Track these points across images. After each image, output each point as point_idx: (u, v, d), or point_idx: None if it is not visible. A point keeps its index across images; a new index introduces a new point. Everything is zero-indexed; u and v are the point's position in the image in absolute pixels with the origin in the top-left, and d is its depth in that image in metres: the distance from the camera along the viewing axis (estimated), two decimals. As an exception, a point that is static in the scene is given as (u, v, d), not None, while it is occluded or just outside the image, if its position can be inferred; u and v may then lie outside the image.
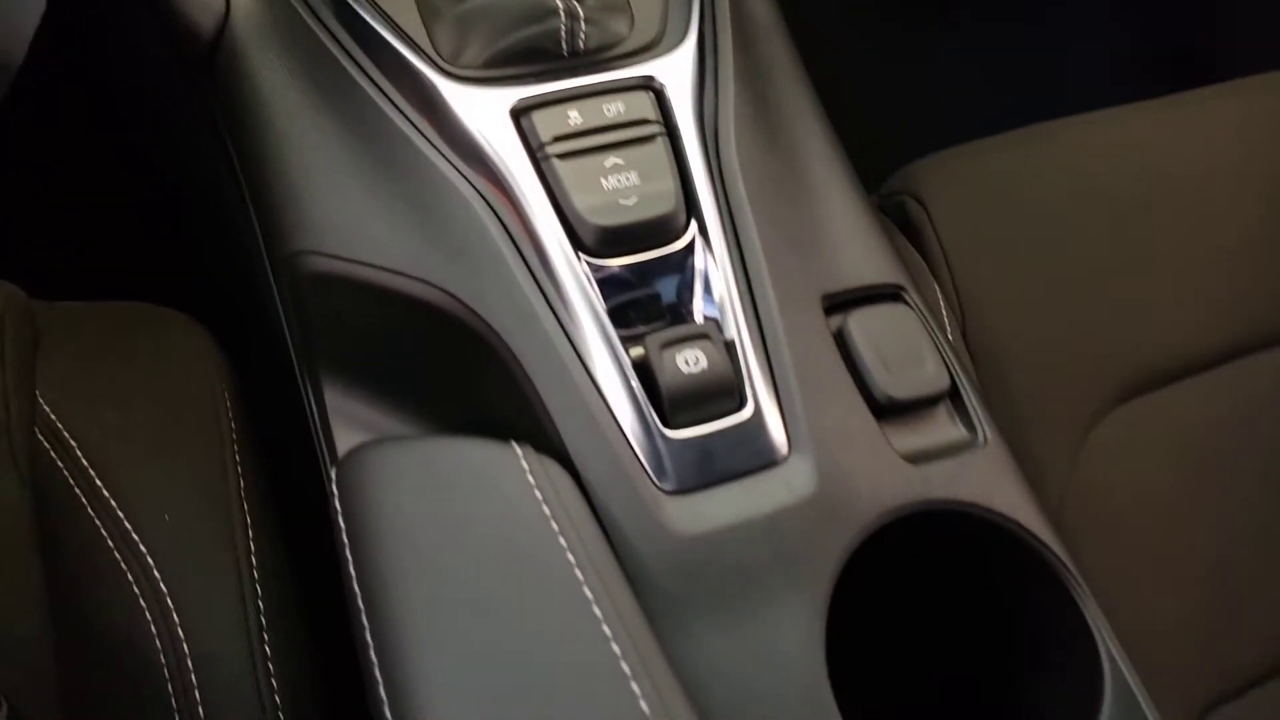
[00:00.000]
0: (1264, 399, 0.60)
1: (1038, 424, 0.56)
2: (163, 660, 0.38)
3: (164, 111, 0.59)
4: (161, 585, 0.40)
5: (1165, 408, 0.58)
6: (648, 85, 0.39)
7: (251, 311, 0.44)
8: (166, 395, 0.45)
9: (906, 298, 0.39)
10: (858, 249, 0.39)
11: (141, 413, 0.45)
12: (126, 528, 0.40)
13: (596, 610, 0.30)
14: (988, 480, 0.35)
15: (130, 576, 0.40)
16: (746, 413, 0.35)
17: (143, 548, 0.40)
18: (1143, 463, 0.58)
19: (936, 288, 0.55)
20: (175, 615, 0.39)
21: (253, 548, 0.41)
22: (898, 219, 0.57)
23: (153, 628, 0.39)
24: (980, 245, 0.56)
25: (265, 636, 0.40)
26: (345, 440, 0.37)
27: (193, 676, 0.38)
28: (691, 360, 0.34)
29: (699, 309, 0.37)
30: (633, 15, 0.41)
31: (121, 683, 0.38)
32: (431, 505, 0.31)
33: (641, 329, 0.36)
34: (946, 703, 0.40)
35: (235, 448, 0.43)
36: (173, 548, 0.40)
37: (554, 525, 0.31)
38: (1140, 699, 0.35)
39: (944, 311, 0.54)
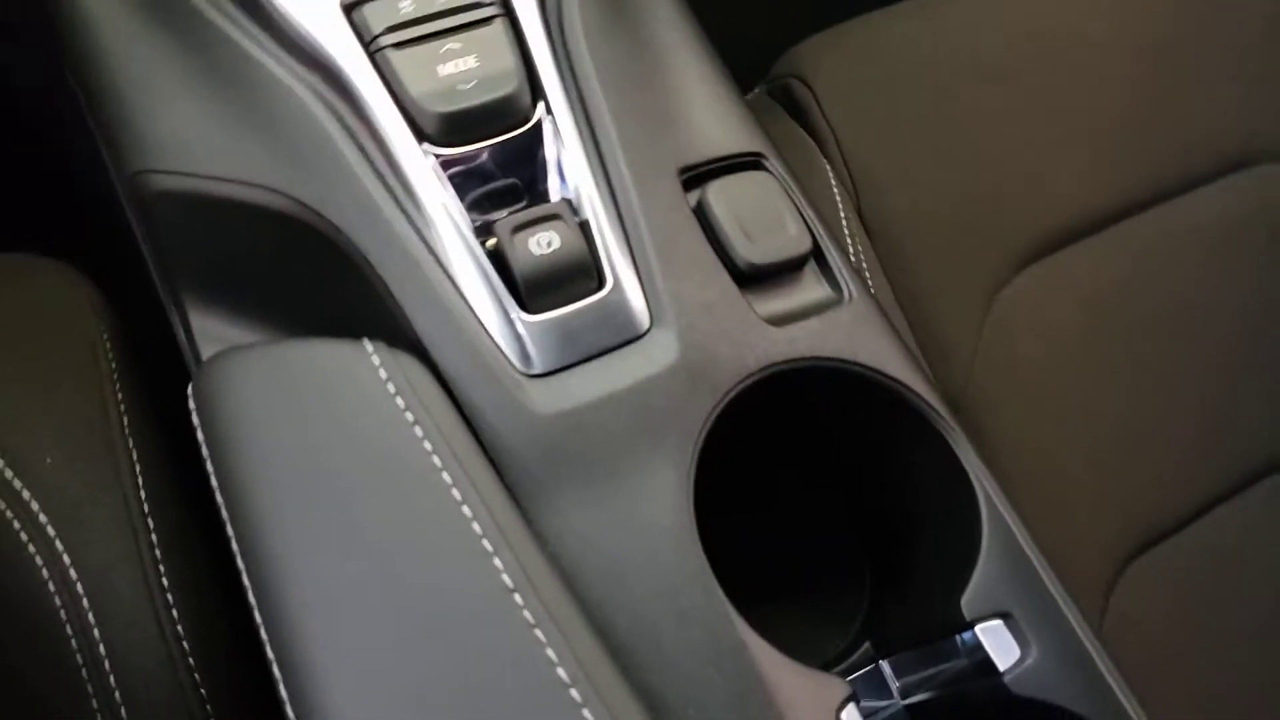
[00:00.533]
0: (1159, 253, 0.61)
1: (941, 294, 0.57)
2: (56, 600, 0.38)
3: (26, 55, 0.57)
4: (48, 527, 0.39)
5: (1066, 269, 0.59)
6: (482, -32, 0.37)
7: (122, 242, 0.43)
8: (42, 343, 0.44)
9: (766, 164, 0.39)
10: (714, 120, 0.39)
11: (17, 362, 0.44)
12: (7, 476, 0.40)
13: (455, 493, 0.29)
14: (852, 334, 0.35)
15: (16, 523, 0.39)
16: (605, 290, 0.34)
17: (25, 494, 0.40)
18: (1048, 324, 0.59)
19: (828, 167, 0.55)
20: (65, 556, 0.39)
21: (140, 481, 0.41)
22: (785, 102, 0.57)
23: (44, 571, 0.38)
24: (868, 121, 0.56)
25: (161, 568, 0.39)
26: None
27: (90, 616, 0.38)
28: (544, 242, 0.34)
29: (553, 190, 0.36)
30: None
31: (16, 625, 0.38)
32: (284, 408, 0.31)
33: (494, 215, 0.35)
34: (832, 561, 0.40)
35: (117, 387, 0.43)
36: (56, 489, 0.40)
37: (408, 416, 0.30)
38: (1019, 535, 0.35)
39: (836, 190, 0.54)
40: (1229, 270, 0.64)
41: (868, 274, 0.53)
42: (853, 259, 0.52)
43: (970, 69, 0.59)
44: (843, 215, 0.53)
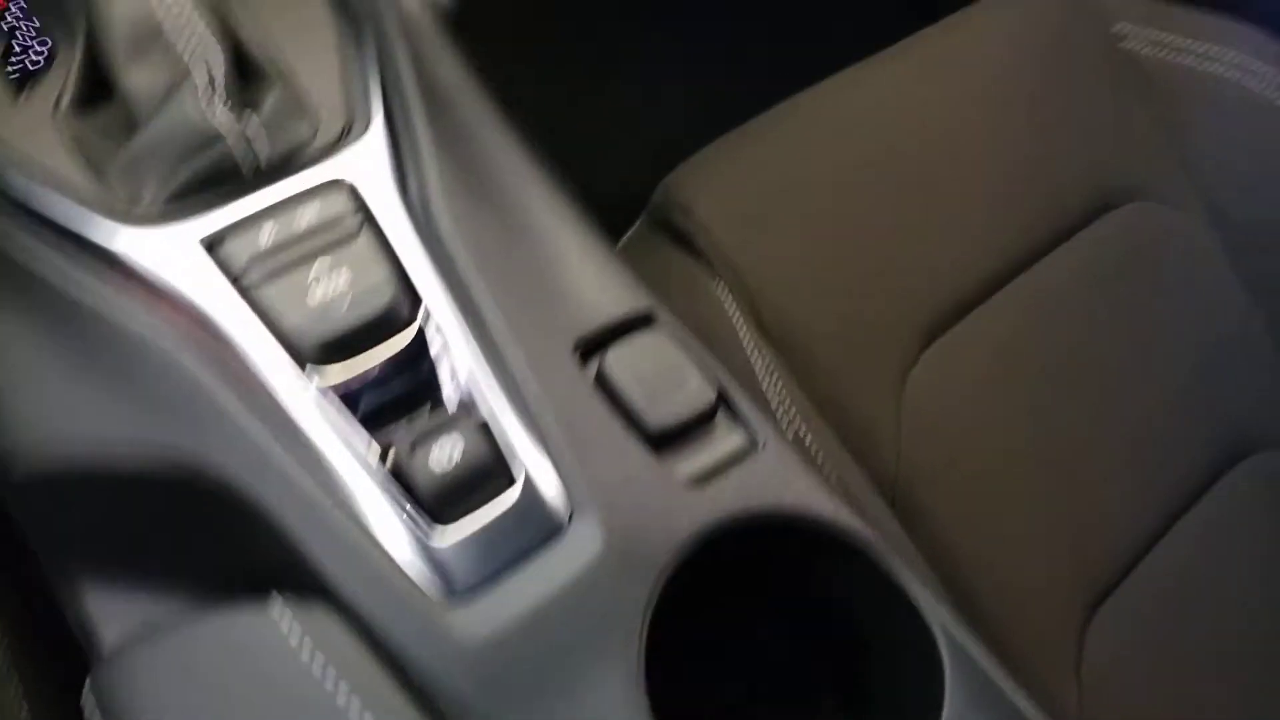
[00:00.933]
0: (1052, 303, 0.63)
1: (855, 388, 0.57)
2: None
3: None
4: None
5: (968, 337, 0.60)
6: (340, 182, 0.37)
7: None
8: None
9: (657, 319, 0.38)
10: (598, 285, 0.38)
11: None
12: None
13: (391, 757, 0.27)
14: (774, 480, 0.35)
15: None
16: (516, 490, 0.33)
17: None
18: (962, 394, 0.60)
19: (722, 289, 0.55)
20: None
21: None
22: (668, 231, 0.57)
23: None
24: (754, 236, 0.57)
25: None
26: (114, 639, 0.34)
27: None
28: (445, 455, 0.33)
29: (449, 393, 0.35)
30: (315, 115, 0.39)
31: None
32: (193, 704, 0.29)
33: (392, 427, 0.34)
34: (801, 698, 0.39)
35: (18, 687, 0.39)
36: None
37: (327, 684, 0.28)
38: (980, 660, 0.34)
39: (733, 312, 0.54)
40: (1120, 305, 0.66)
41: (781, 386, 0.53)
42: (760, 376, 0.52)
43: (844, 164, 0.61)
44: (742, 336, 0.53)
